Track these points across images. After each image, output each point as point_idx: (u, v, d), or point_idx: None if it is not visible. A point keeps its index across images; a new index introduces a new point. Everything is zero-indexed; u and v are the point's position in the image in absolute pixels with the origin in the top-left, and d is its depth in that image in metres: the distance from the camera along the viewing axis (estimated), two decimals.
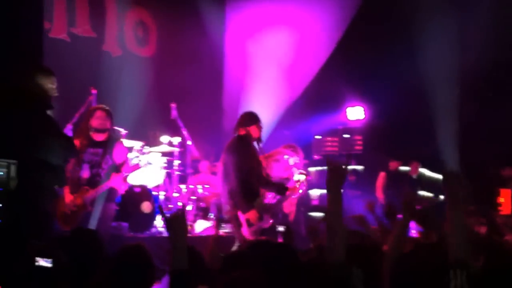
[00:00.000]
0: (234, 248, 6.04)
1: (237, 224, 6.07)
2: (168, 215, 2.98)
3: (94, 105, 6.99)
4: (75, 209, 6.24)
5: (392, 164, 9.61)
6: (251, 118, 6.36)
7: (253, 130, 6.27)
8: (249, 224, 5.94)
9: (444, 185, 3.29)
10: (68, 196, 6.28)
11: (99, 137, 6.41)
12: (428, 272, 3.08)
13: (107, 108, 6.58)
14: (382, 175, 9.45)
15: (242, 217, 5.97)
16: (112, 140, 6.52)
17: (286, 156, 7.60)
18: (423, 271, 3.10)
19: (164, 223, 3.02)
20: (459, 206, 3.21)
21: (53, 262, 3.12)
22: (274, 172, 7.25)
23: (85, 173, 6.35)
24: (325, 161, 10.30)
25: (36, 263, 3.08)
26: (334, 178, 3.36)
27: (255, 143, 6.38)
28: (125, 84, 9.10)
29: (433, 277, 3.04)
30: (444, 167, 3.26)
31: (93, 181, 6.35)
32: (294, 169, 7.64)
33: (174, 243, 2.96)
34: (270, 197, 6.31)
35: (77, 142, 6.13)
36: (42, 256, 3.12)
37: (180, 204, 8.25)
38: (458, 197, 3.23)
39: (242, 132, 6.31)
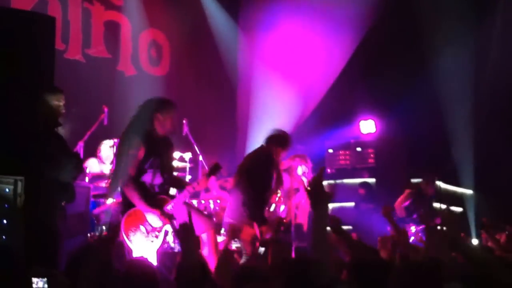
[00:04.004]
0: (243, 261, 6.02)
1: (247, 237, 5.99)
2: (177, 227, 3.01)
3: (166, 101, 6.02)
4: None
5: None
6: (286, 143, 6.37)
7: (279, 153, 6.33)
8: (262, 235, 5.85)
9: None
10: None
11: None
12: None
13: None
14: (407, 192, 9.07)
15: (256, 229, 5.91)
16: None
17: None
18: None
19: (175, 236, 3.03)
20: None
21: (48, 282, 3.15)
22: (285, 184, 7.22)
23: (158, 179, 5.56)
24: (337, 175, 10.15)
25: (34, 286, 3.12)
26: (314, 198, 3.45)
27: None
28: (138, 102, 9.23)
29: None
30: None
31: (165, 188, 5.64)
32: (304, 179, 7.56)
33: (186, 254, 3.07)
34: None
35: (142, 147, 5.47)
36: (39, 276, 3.16)
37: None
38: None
39: (272, 148, 6.34)
